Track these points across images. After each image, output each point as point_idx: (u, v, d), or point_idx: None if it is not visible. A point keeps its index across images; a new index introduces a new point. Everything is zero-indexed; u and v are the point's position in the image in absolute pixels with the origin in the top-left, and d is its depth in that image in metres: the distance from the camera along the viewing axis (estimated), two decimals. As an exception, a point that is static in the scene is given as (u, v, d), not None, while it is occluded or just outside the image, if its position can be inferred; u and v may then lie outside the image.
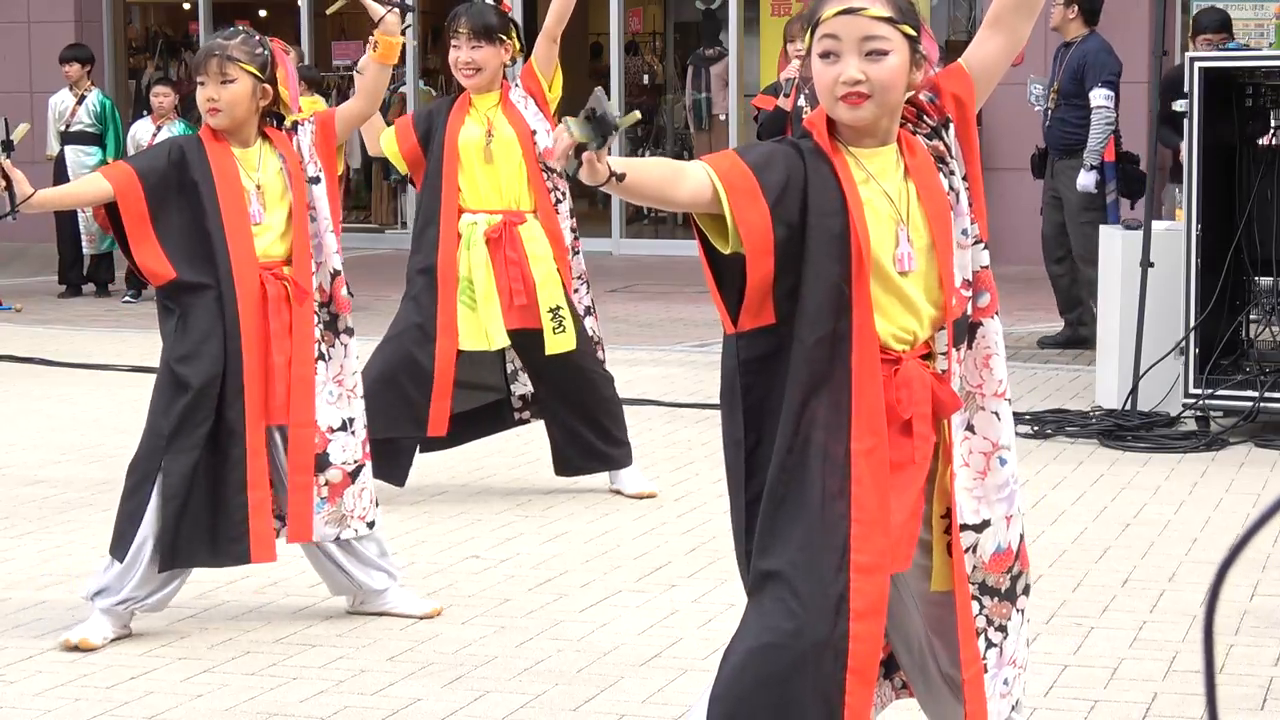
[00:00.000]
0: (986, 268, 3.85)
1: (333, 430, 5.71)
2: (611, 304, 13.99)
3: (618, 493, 7.54)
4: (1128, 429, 8.66)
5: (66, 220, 15.04)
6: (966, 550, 3.79)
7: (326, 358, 5.73)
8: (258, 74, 5.60)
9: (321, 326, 5.71)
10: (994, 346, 3.83)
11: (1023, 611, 3.91)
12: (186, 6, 21.47)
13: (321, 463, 5.68)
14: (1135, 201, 11.41)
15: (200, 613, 5.93)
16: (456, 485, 7.83)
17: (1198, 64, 8.76)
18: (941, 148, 3.78)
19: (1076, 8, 11.52)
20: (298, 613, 5.96)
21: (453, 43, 7.37)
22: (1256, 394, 8.61)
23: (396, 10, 5.84)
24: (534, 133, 7.34)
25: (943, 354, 3.77)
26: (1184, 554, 6.62)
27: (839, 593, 3.57)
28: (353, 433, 5.75)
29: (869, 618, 3.60)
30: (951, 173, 3.77)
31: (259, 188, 5.63)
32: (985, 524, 3.82)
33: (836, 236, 3.59)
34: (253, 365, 5.58)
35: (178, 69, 21.42)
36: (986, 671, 3.83)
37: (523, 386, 7.58)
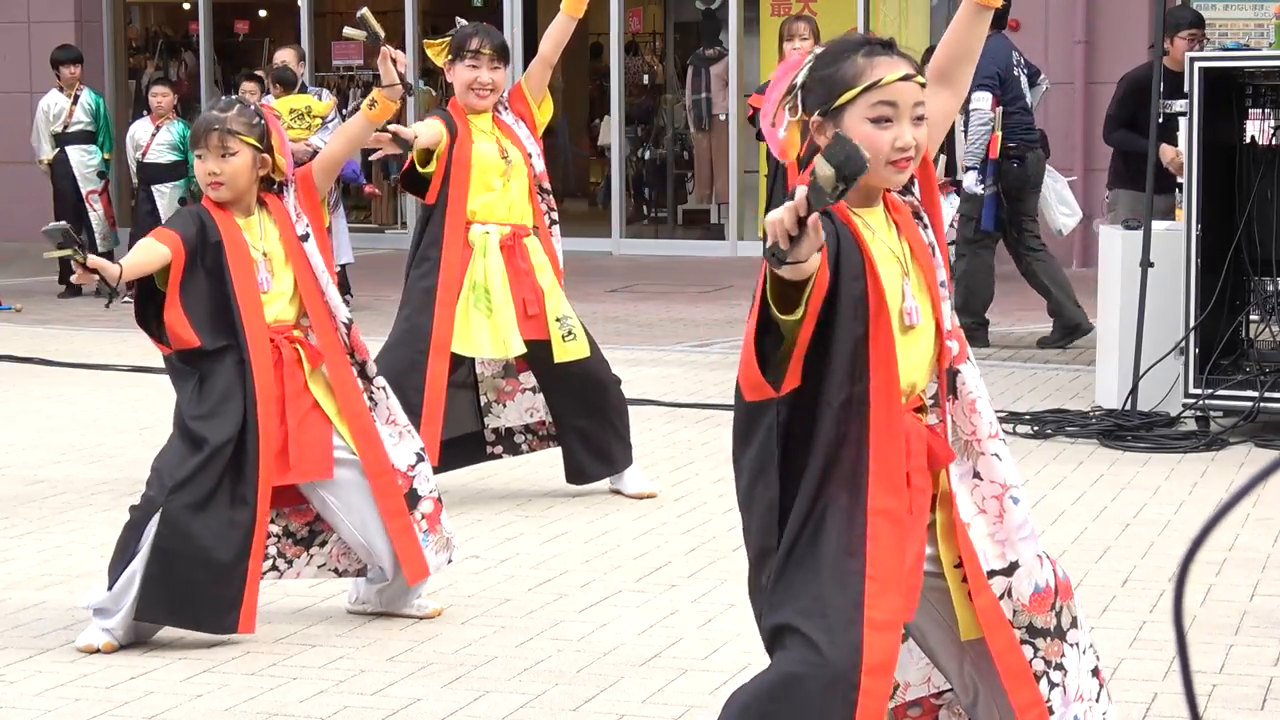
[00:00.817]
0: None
1: (411, 467, 5.76)
2: (611, 304, 13.99)
3: (618, 493, 7.54)
4: (1128, 429, 8.67)
5: (80, 222, 15.05)
6: (1001, 596, 3.80)
7: (373, 403, 5.76)
8: (257, 145, 5.61)
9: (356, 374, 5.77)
10: (975, 390, 3.83)
11: (1077, 645, 3.91)
12: (186, 6, 21.46)
13: (412, 500, 5.74)
14: (1011, 201, 11.76)
15: (200, 613, 5.92)
16: (456, 485, 7.82)
17: (1198, 64, 8.76)
18: (915, 203, 3.80)
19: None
20: (297, 613, 5.96)
21: (469, 63, 7.28)
22: (1256, 394, 8.61)
23: (402, 86, 5.99)
24: (530, 155, 7.38)
25: (933, 405, 3.78)
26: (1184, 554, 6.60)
27: (853, 643, 3.57)
28: (425, 460, 5.83)
29: (879, 674, 3.59)
30: (926, 226, 3.79)
31: (265, 255, 5.65)
32: (1014, 566, 3.83)
33: (859, 298, 3.60)
34: (268, 430, 5.56)
35: (177, 69, 21.42)
36: (1053, 714, 3.83)
37: (495, 420, 7.57)
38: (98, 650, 5.50)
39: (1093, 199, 16.51)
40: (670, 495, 7.57)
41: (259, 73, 17.52)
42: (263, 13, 22.40)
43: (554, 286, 7.34)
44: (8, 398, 10.21)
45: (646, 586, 6.23)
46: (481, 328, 7.20)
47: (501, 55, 7.33)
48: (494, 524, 7.14)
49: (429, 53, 7.52)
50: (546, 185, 7.49)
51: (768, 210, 10.66)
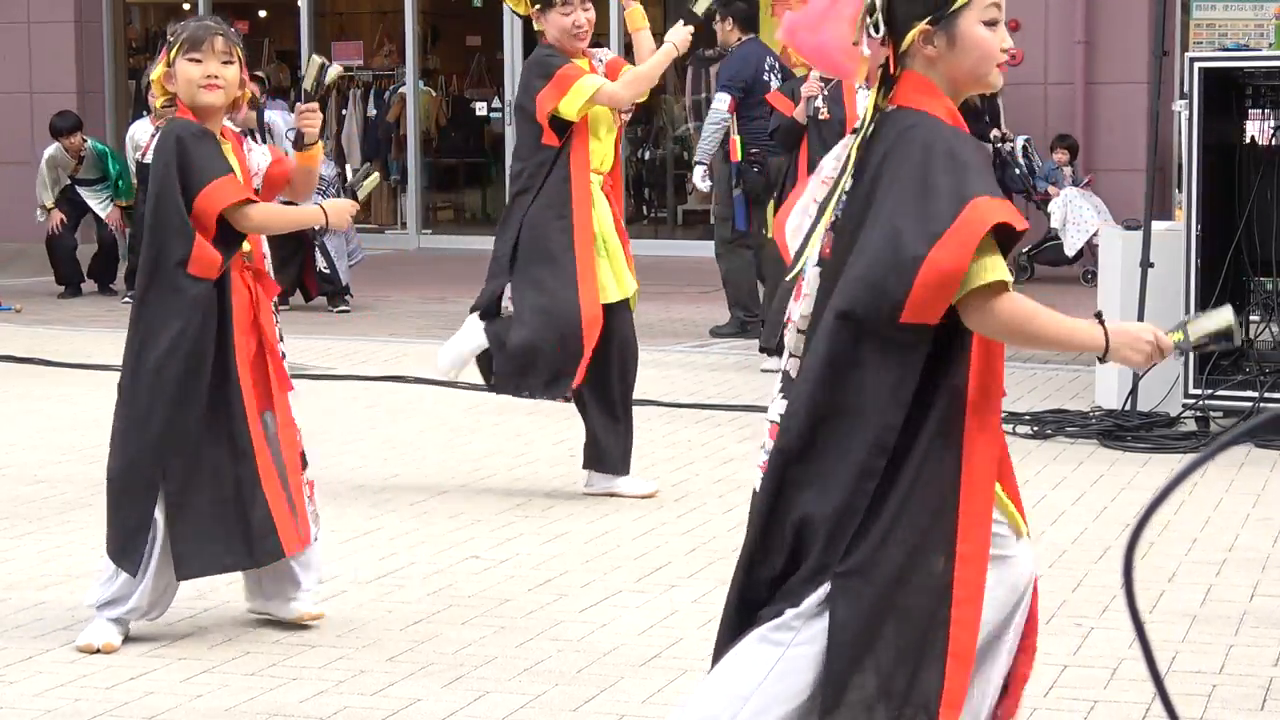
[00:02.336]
0: None
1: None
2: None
3: (614, 494, 7.53)
4: (1128, 429, 8.67)
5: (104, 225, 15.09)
6: None
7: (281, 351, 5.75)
8: (243, 60, 5.64)
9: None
10: None
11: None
12: (186, 7, 21.46)
13: (304, 461, 5.75)
14: (756, 203, 11.92)
15: (200, 613, 5.92)
16: (456, 485, 7.83)
17: (1198, 64, 8.76)
18: None
19: (731, 19, 12.53)
20: (298, 613, 5.95)
21: (562, 9, 7.30)
22: (1256, 394, 8.61)
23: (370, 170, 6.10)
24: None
25: None
26: (1184, 554, 6.62)
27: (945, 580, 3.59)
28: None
29: (968, 604, 3.61)
30: None
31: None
32: None
33: None
34: (244, 356, 5.54)
35: (177, 69, 21.40)
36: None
37: None
38: (98, 650, 5.50)
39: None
40: (670, 495, 7.57)
41: (260, 74, 17.54)
42: (262, 13, 22.40)
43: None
44: (7, 398, 10.21)
45: (647, 587, 6.23)
46: (606, 272, 7.40)
47: None
48: (494, 524, 7.14)
49: (510, 4, 7.51)
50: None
51: (777, 208, 10.70)
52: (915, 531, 3.59)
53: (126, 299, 14.89)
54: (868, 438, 3.59)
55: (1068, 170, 15.86)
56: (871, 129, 3.69)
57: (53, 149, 15.56)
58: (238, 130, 5.78)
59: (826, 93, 10.59)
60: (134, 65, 21.57)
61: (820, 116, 10.56)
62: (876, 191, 3.60)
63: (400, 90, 20.38)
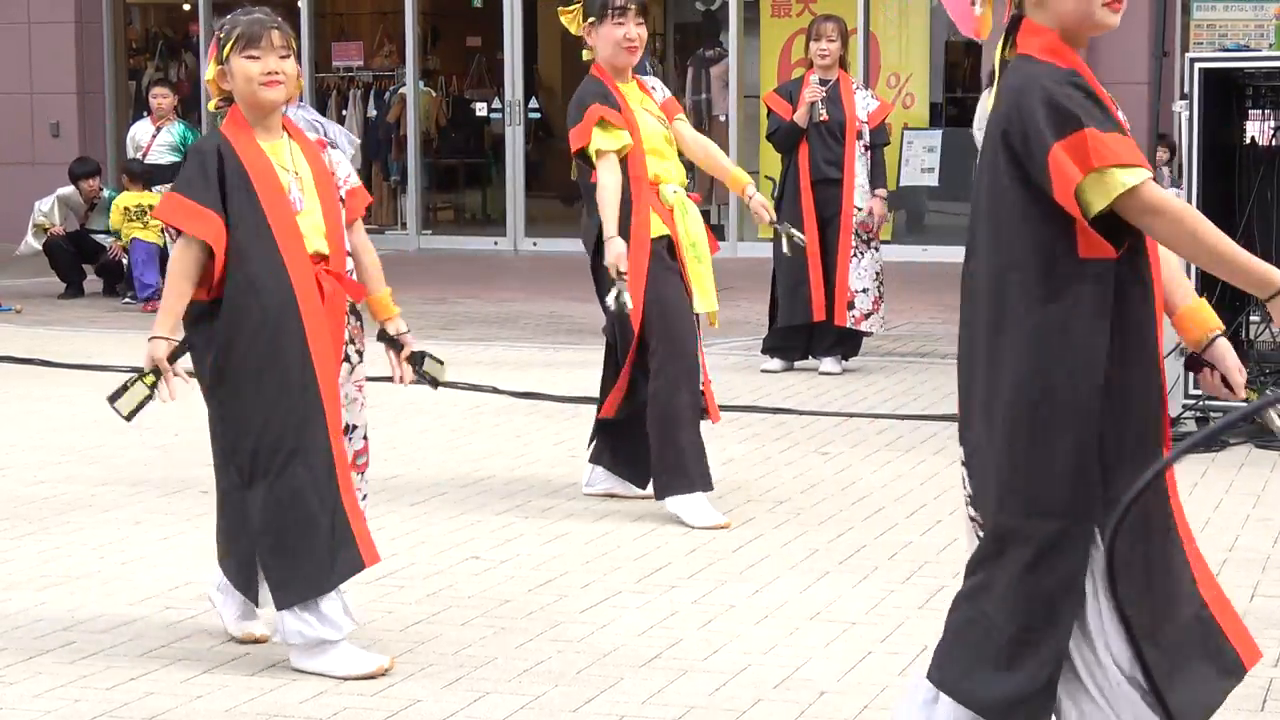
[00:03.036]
0: None
1: (352, 428, 5.52)
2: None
3: (613, 495, 7.52)
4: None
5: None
6: None
7: (353, 361, 5.49)
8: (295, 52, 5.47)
9: (354, 324, 5.49)
10: None
11: None
12: (186, 7, 21.48)
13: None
14: None
15: (200, 614, 5.92)
16: (456, 485, 7.83)
17: (1198, 65, 8.76)
18: None
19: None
20: (298, 613, 5.94)
21: (616, 20, 7.18)
22: (1257, 395, 8.60)
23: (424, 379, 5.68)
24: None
25: None
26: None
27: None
28: (350, 439, 5.47)
29: None
30: None
31: (297, 175, 5.36)
32: None
33: None
34: (325, 362, 5.30)
35: (177, 70, 21.43)
36: None
37: None
38: (256, 640, 5.56)
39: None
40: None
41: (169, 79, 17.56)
42: (263, 13, 22.37)
43: None
44: (7, 399, 10.21)
45: (647, 588, 6.23)
46: (702, 282, 7.34)
47: (644, 10, 7.29)
48: (494, 524, 7.14)
49: (563, 20, 7.39)
50: None
51: (778, 209, 10.71)
52: None
53: (127, 300, 14.90)
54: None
55: (1166, 170, 15.67)
56: (999, 83, 3.75)
57: (68, 190, 15.55)
58: (318, 138, 5.59)
59: (826, 94, 10.60)
60: (134, 66, 21.59)
61: (819, 118, 10.56)
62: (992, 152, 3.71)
63: (400, 91, 20.38)
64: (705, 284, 7.31)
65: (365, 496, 5.55)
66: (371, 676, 5.24)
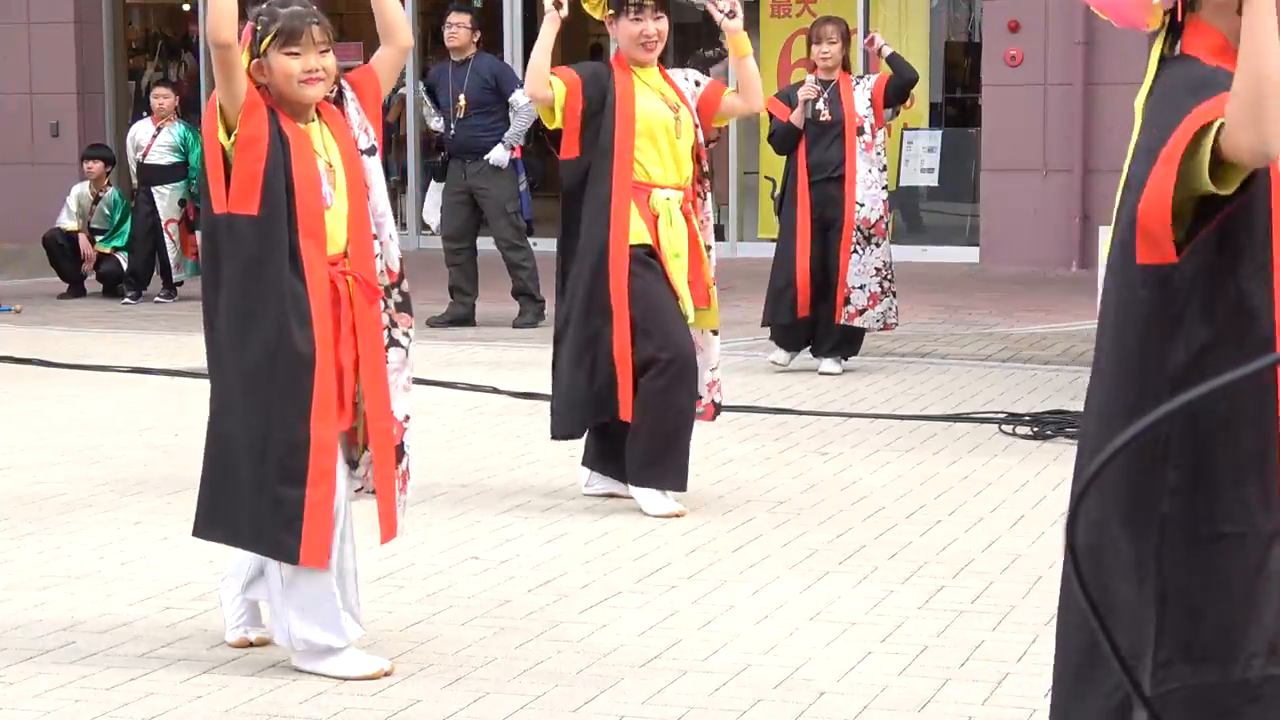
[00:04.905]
0: None
1: (407, 418, 5.39)
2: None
3: (614, 495, 7.51)
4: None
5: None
6: None
7: (402, 343, 5.35)
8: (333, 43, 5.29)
9: (393, 309, 5.34)
10: None
11: None
12: (186, 8, 21.47)
13: (399, 454, 5.38)
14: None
15: (200, 614, 5.93)
16: (456, 486, 7.83)
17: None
18: None
19: (480, 33, 13.38)
20: (298, 614, 5.94)
21: (633, 16, 7.22)
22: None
23: None
24: (696, 125, 7.33)
25: None
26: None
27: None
28: (408, 424, 5.44)
29: None
30: None
31: (330, 166, 5.22)
32: None
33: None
34: (325, 367, 5.17)
35: (177, 70, 21.42)
36: None
37: None
38: (251, 645, 5.52)
39: (1090, 199, 16.52)
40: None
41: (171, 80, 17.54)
42: (262, 13, 22.38)
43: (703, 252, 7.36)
44: (7, 399, 10.21)
45: (646, 588, 6.23)
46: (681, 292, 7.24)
47: (663, 5, 7.26)
48: (494, 524, 7.14)
49: (587, 7, 7.41)
50: (703, 160, 7.39)
51: (779, 209, 10.70)
52: None
53: (127, 300, 14.91)
54: None
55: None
56: (1154, 78, 3.63)
57: (81, 187, 15.55)
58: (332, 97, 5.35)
59: (826, 95, 10.60)
60: (134, 66, 21.58)
61: (821, 119, 10.56)
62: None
63: (400, 91, 20.37)
64: (687, 292, 7.26)
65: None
66: (373, 678, 5.24)
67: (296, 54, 5.14)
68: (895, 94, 10.76)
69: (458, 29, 13.25)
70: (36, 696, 5.16)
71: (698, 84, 7.46)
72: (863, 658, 5.44)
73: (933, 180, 17.89)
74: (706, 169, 7.42)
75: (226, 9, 4.97)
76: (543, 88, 7.15)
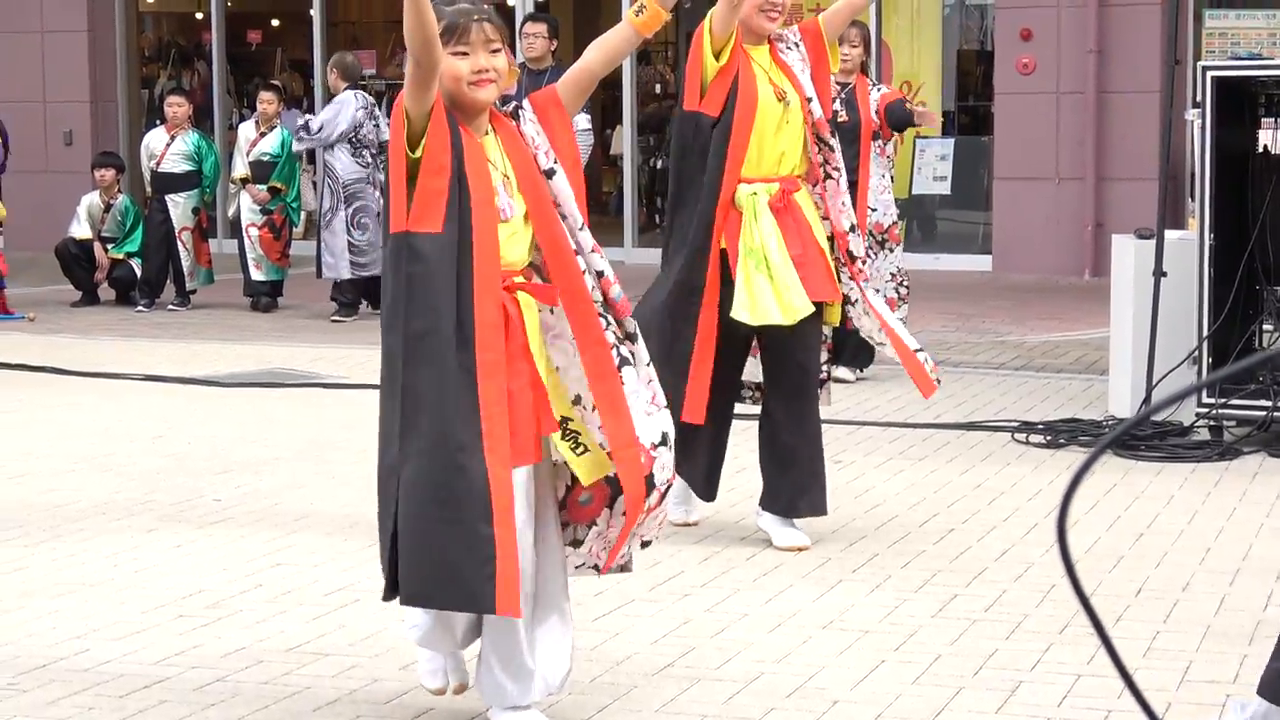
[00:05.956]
0: None
1: (655, 446, 4.82)
2: (623, 313, 14.00)
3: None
4: (1141, 438, 8.64)
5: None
6: None
7: (631, 362, 4.86)
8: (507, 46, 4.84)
9: (611, 334, 4.86)
10: None
11: None
12: (199, 16, 21.49)
13: (649, 485, 4.82)
14: None
15: (213, 622, 5.93)
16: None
17: (1210, 73, 8.75)
18: None
19: (555, 42, 13.07)
20: (311, 621, 5.95)
21: None
22: (1270, 403, 8.60)
23: None
24: (808, 99, 6.82)
25: None
26: (1198, 564, 6.61)
27: None
28: (669, 446, 4.87)
29: None
30: None
31: (506, 178, 4.80)
32: None
33: None
34: (494, 402, 4.67)
35: (190, 79, 21.44)
36: None
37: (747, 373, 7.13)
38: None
39: (1103, 207, 16.51)
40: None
41: (276, 81, 17.57)
42: (275, 22, 22.42)
43: (825, 242, 6.84)
44: (21, 406, 10.22)
45: (659, 596, 6.22)
46: (763, 292, 6.68)
47: None
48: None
49: None
50: (826, 136, 6.86)
51: None
52: None
53: (139, 308, 14.92)
54: None
55: None
56: None
57: (91, 196, 15.57)
58: (509, 112, 4.90)
59: (843, 96, 10.60)
60: (147, 74, 21.61)
61: (838, 120, 10.56)
62: None
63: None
64: (756, 292, 6.70)
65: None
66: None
67: (465, 53, 4.70)
68: (892, 121, 10.78)
69: (535, 39, 13.19)
70: (50, 704, 5.16)
71: (797, 45, 6.94)
72: (876, 666, 5.43)
73: (945, 188, 17.88)
74: (833, 142, 6.88)
75: (430, 18, 4.53)
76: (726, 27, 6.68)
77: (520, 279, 4.79)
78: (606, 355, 4.81)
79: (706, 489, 7.08)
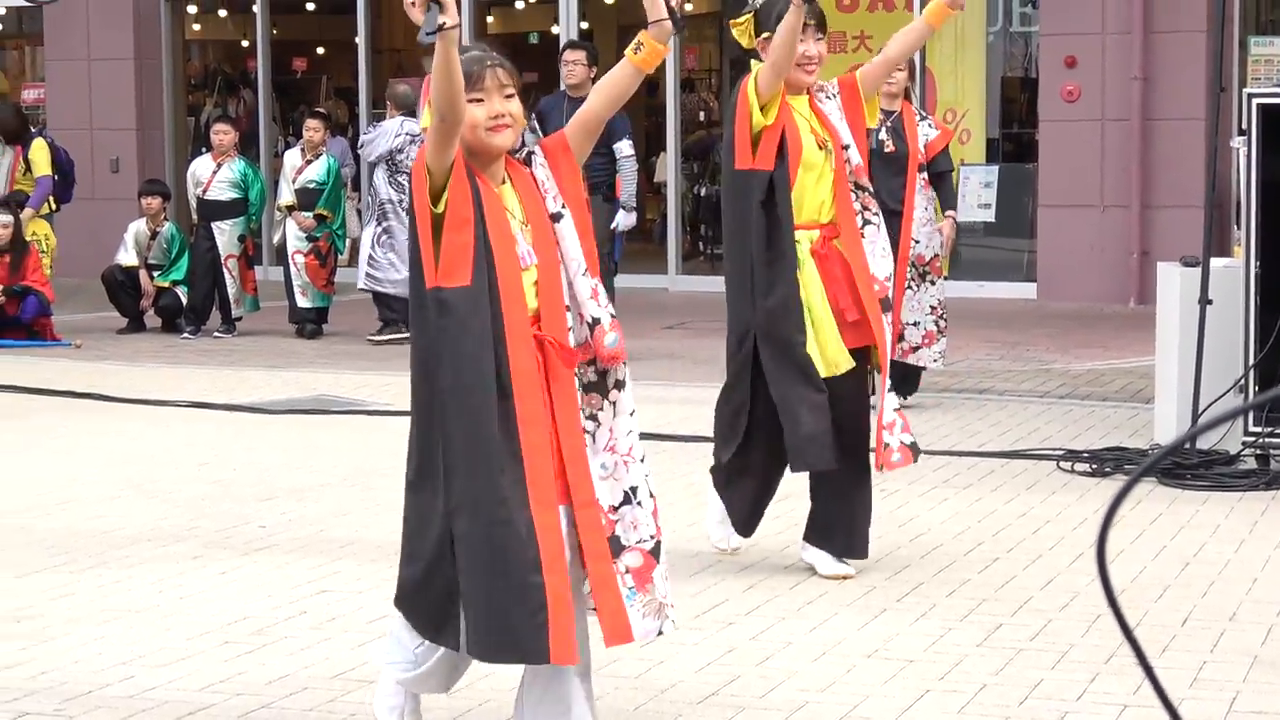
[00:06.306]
0: None
1: (614, 509, 4.83)
2: (667, 340, 14.00)
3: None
4: (1186, 467, 8.61)
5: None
6: None
7: (597, 422, 4.87)
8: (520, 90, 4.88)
9: (582, 390, 4.86)
10: None
11: None
12: (245, 44, 21.60)
13: (614, 548, 4.81)
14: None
15: (258, 648, 5.94)
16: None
17: (1256, 100, 8.73)
18: None
19: (595, 69, 13.17)
20: (356, 648, 5.96)
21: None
22: (1317, 432, 8.55)
23: (671, 21, 4.98)
24: (845, 146, 6.86)
25: None
26: (1244, 593, 6.58)
27: None
28: (639, 504, 4.85)
29: None
30: None
31: (525, 224, 4.82)
32: None
33: None
34: (536, 445, 4.73)
35: (236, 106, 21.55)
36: None
37: None
38: None
39: (1148, 235, 16.46)
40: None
41: (322, 109, 17.64)
42: (320, 50, 22.52)
43: (869, 284, 6.81)
44: (68, 433, 10.26)
45: (704, 624, 6.22)
46: (810, 344, 6.75)
47: (822, 25, 6.85)
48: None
49: (735, 33, 6.99)
50: (864, 182, 6.89)
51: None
52: None
53: (186, 335, 14.99)
54: None
55: None
56: None
57: (139, 224, 15.64)
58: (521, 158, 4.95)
59: (889, 125, 10.59)
60: (193, 102, 21.72)
61: (885, 149, 10.55)
62: None
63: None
64: (813, 349, 6.76)
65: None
66: None
67: (480, 99, 4.74)
68: (933, 171, 10.80)
69: (575, 65, 13.25)
70: (96, 730, 5.18)
71: (835, 96, 6.95)
72: (921, 695, 5.42)
73: (989, 216, 17.85)
74: (869, 188, 6.93)
75: (459, 75, 4.56)
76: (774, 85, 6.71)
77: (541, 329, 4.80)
78: (575, 414, 4.81)
79: (746, 526, 7.11)
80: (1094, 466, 8.85)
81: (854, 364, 6.78)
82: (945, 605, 6.44)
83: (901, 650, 5.88)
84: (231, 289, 15.14)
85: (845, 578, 6.84)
